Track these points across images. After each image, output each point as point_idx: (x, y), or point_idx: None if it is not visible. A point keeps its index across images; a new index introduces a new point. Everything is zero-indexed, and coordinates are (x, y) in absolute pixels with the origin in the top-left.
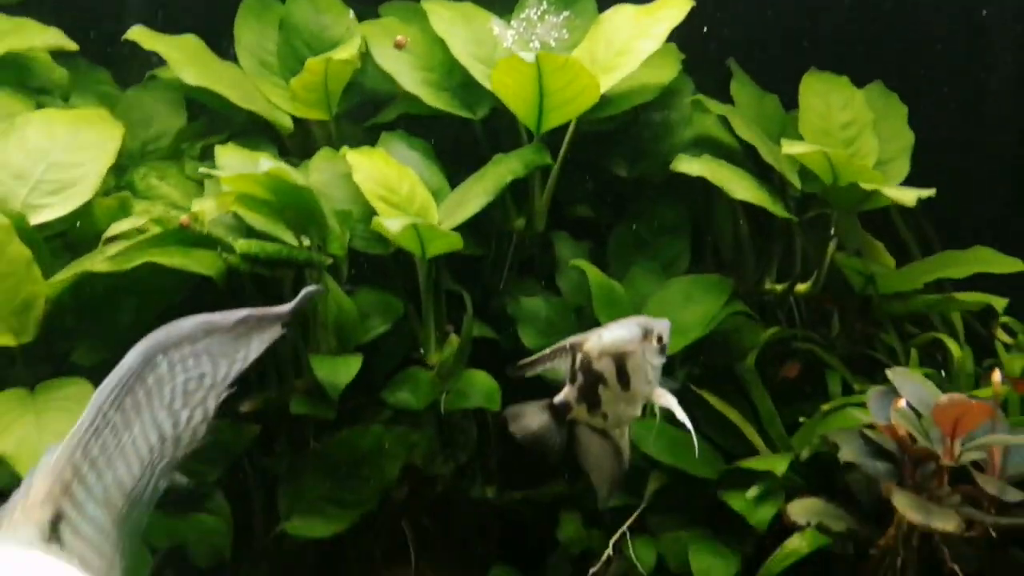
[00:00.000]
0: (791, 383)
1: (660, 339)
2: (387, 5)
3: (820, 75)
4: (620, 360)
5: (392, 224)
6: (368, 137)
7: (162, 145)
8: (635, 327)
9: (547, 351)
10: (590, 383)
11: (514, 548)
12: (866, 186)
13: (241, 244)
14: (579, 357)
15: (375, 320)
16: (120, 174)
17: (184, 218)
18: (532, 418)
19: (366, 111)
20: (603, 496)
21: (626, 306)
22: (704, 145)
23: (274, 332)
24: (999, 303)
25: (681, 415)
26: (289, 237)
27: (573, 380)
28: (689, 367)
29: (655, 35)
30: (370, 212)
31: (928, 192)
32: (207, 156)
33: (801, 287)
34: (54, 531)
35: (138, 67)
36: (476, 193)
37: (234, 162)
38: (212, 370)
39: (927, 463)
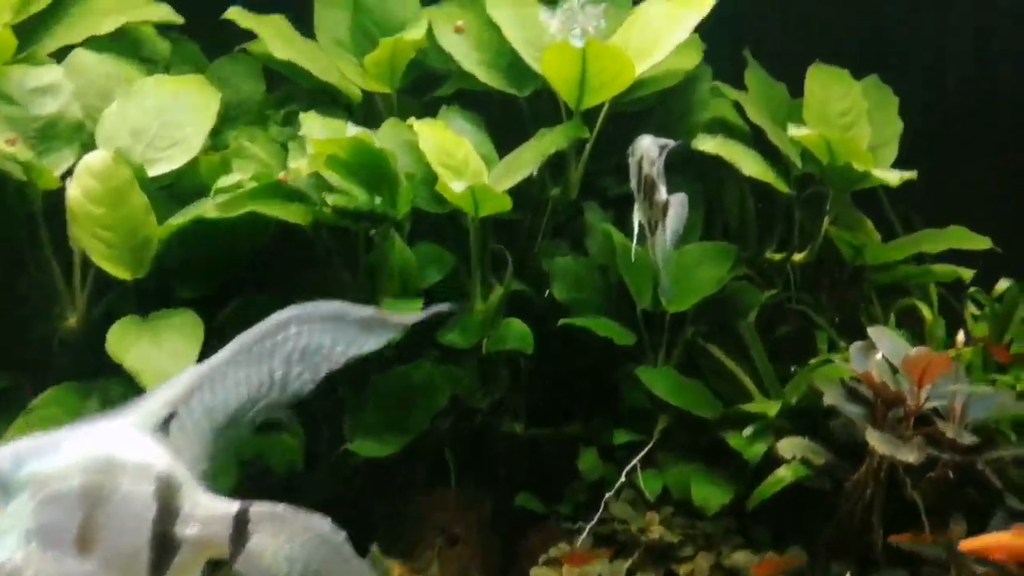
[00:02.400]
0: (786, 341)
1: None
2: None
3: (824, 68)
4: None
5: (456, 186)
6: (425, 110)
7: (248, 111)
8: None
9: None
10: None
11: (539, 477)
12: (858, 166)
13: (334, 198)
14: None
15: (431, 270)
16: (215, 135)
17: (282, 174)
18: None
19: (422, 86)
20: None
21: (646, 268)
22: (718, 127)
23: (392, 333)
24: (966, 274)
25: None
26: (362, 194)
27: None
28: (698, 324)
29: (684, 27)
30: (430, 176)
31: (910, 174)
32: (289, 122)
33: (798, 256)
34: (164, 426)
35: (221, 44)
36: (523, 162)
37: (317, 128)
38: (330, 346)
39: (897, 408)
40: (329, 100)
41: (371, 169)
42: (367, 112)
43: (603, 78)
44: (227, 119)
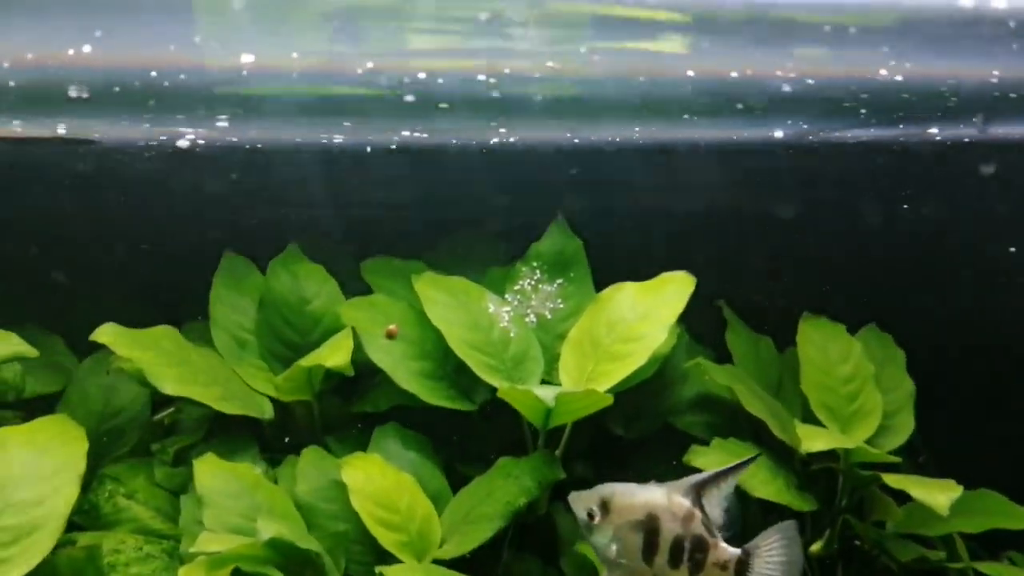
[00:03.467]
0: None
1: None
2: (369, 263)
3: (816, 322)
4: None
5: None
6: (354, 419)
7: (130, 429)
8: None
9: None
10: None
11: None
12: (890, 481)
13: None
14: None
15: None
16: (86, 485)
17: None
18: None
19: (352, 383)
20: None
21: None
22: (706, 407)
23: None
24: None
25: None
26: None
27: None
28: None
29: (661, 321)
30: (365, 529)
31: (956, 491)
32: (181, 460)
33: (815, 547)
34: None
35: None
36: (487, 515)
37: (217, 486)
38: None
39: None
40: (237, 424)
41: (291, 558)
42: (284, 423)
43: (576, 407)
44: (102, 441)
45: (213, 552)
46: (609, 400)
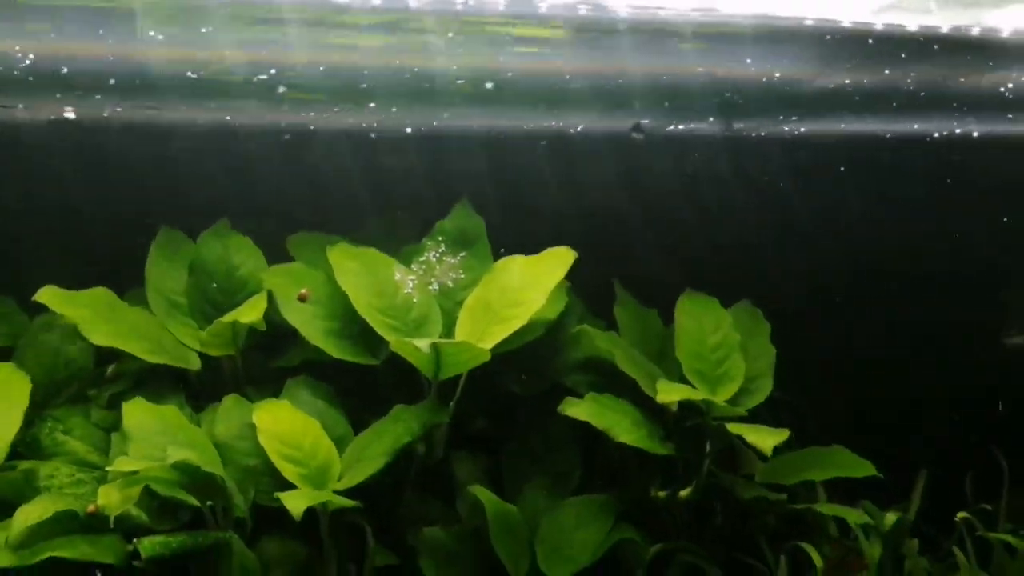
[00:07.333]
0: None
1: None
2: (295, 237)
3: (694, 297)
4: None
5: (293, 504)
6: (276, 374)
7: (72, 380)
8: None
9: None
10: None
11: None
12: (732, 428)
13: (146, 546)
14: None
15: (278, 570)
16: (28, 423)
17: (91, 507)
18: None
19: (272, 344)
20: None
21: (522, 532)
22: (592, 368)
23: None
24: (852, 515)
25: None
26: (193, 501)
27: None
28: None
29: (543, 290)
30: (273, 465)
31: (782, 435)
32: (115, 406)
33: (683, 492)
34: None
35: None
36: (376, 452)
37: (143, 424)
38: None
39: None
40: (167, 374)
41: (201, 485)
42: (209, 377)
43: (458, 359)
44: (49, 391)
45: (129, 472)
46: (484, 353)
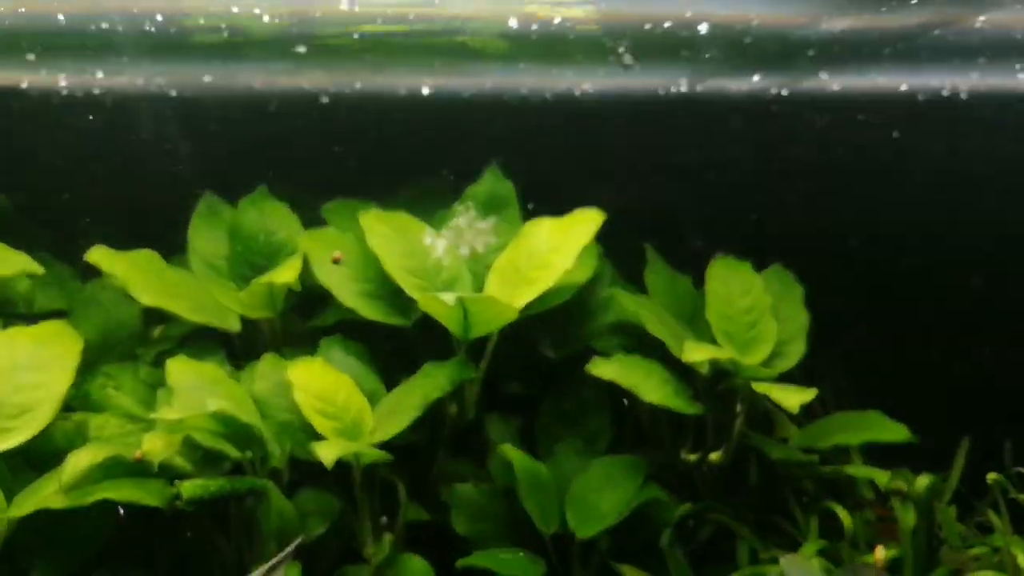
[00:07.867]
0: (707, 549)
1: None
2: (329, 205)
3: (725, 260)
4: None
5: (325, 453)
6: (312, 334)
7: (122, 340)
8: None
9: None
10: None
11: None
12: (757, 387)
13: (187, 488)
14: None
15: (314, 520)
16: (80, 381)
17: (138, 453)
18: None
19: (309, 307)
20: None
21: (551, 490)
22: (622, 331)
23: None
24: (881, 476)
25: None
26: (233, 451)
27: None
28: (611, 545)
29: (571, 252)
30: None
31: (810, 394)
32: (161, 363)
33: (714, 456)
34: None
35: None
36: (407, 407)
37: (186, 380)
38: None
39: None
40: (209, 334)
41: (239, 435)
42: (249, 339)
43: (486, 316)
44: (101, 350)
45: (172, 421)
46: (511, 311)
